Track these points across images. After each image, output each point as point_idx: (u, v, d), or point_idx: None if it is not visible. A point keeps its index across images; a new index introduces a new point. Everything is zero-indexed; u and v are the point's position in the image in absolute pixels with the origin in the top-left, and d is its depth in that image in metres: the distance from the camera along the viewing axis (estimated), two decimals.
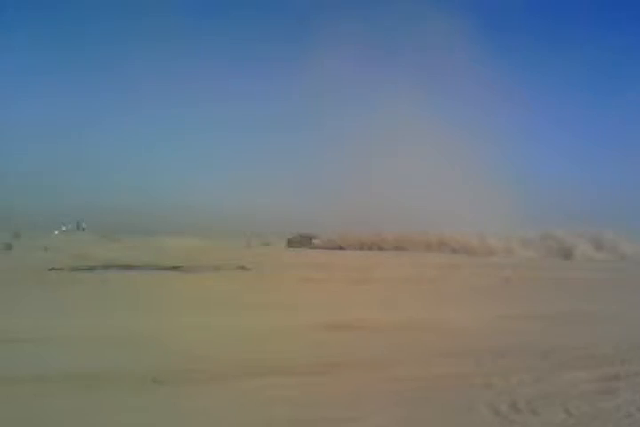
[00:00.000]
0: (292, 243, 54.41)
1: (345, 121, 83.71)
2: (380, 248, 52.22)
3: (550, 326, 12.38)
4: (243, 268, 26.20)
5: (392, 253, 46.34)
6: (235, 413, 6.29)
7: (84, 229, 65.88)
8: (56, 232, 63.37)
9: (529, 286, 22.49)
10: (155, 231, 55.04)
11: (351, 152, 75.83)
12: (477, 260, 40.99)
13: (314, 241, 54.31)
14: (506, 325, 12.49)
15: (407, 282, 22.40)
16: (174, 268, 25.21)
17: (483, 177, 66.80)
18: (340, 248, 51.17)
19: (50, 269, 23.90)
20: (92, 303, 14.62)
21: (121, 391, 6.95)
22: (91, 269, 24.62)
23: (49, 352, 8.94)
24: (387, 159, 69.83)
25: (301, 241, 54.34)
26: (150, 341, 9.94)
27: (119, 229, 57.98)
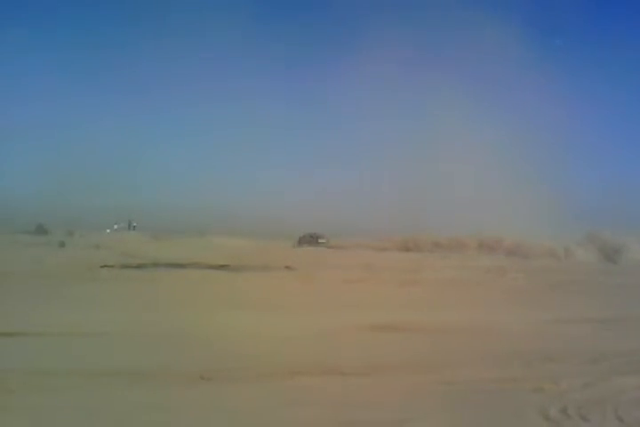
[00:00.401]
0: (301, 242, 54.74)
1: (384, 120, 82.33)
2: (419, 249, 51.61)
3: (600, 331, 12.19)
4: (288, 268, 26.40)
5: (435, 254, 45.80)
6: (280, 411, 6.39)
7: (134, 228, 67.20)
8: (108, 231, 64.79)
9: (578, 291, 22.02)
10: (205, 231, 55.66)
11: (392, 153, 75.00)
12: (526, 263, 40.23)
13: (320, 241, 54.43)
14: (554, 329, 12.35)
15: (453, 284, 22.20)
16: (222, 266, 25.57)
17: (528, 178, 65.25)
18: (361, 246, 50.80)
19: (101, 267, 24.53)
20: (141, 300, 15.00)
21: (169, 387, 7.16)
22: (140, 267, 25.20)
23: (100, 347, 9.27)
24: (429, 160, 68.90)
25: (310, 241, 54.62)
26: (198, 338, 10.17)
27: (169, 228, 58.84)
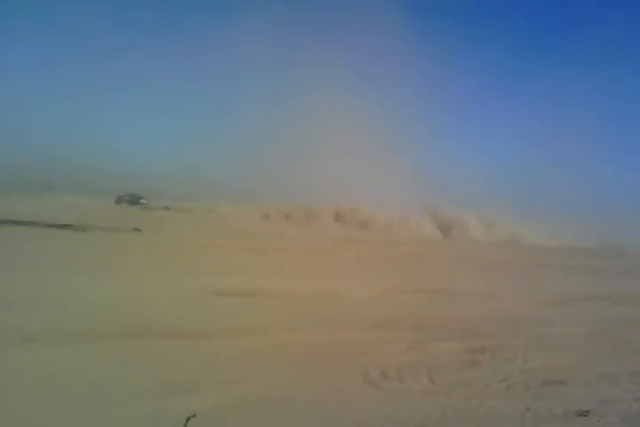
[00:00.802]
0: (120, 201, 52.89)
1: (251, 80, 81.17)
2: (273, 217, 52.11)
3: (430, 301, 13.03)
4: (137, 229, 25.52)
5: (289, 223, 46.58)
6: (107, 373, 6.28)
7: None
8: None
9: (415, 263, 23.38)
10: (54, 188, 51.79)
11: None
12: (374, 234, 42.11)
13: (141, 201, 53.14)
14: (391, 297, 13.04)
15: (303, 253, 22.65)
16: (65, 226, 24.16)
17: (383, 151, 67.69)
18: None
19: None
20: None
21: None
22: None
23: None
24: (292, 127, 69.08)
25: (130, 200, 53.18)
26: (27, 299, 9.58)
27: (12, 182, 54.18)
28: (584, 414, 5.98)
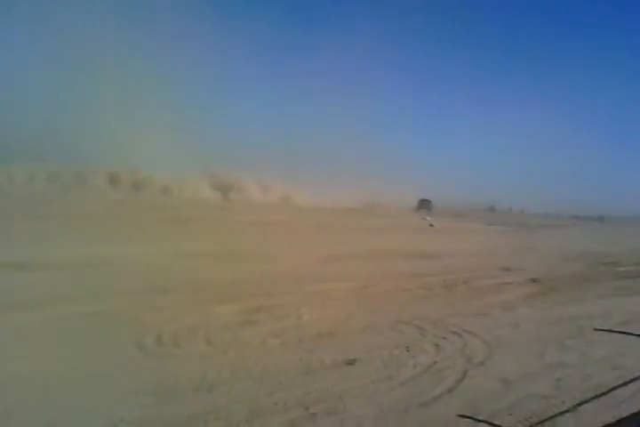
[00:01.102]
0: None
1: None
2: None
3: (209, 264, 12.99)
4: None
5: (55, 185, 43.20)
6: None
7: None
8: None
9: (199, 226, 23.18)
10: None
11: None
12: (151, 197, 40.84)
13: None
14: (168, 262, 12.72)
15: (73, 218, 21.17)
16: None
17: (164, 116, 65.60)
18: None
19: None
20: None
21: None
22: None
23: None
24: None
25: None
26: None
27: None
28: (351, 362, 6.39)
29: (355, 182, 65.04)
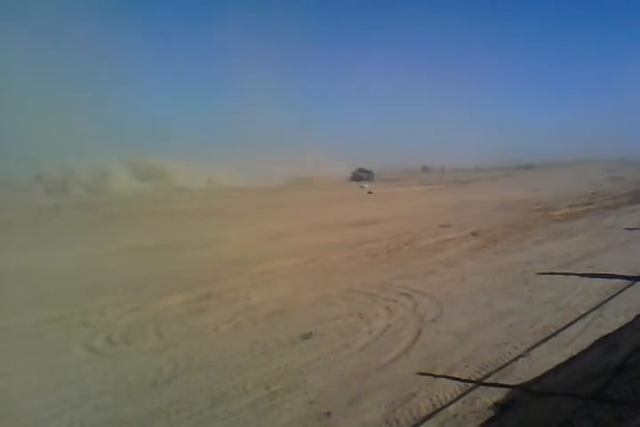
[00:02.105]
0: None
1: None
2: None
3: (149, 258, 12.68)
4: None
5: None
6: None
7: None
8: None
9: (127, 221, 22.55)
10: None
11: None
12: (76, 198, 39.47)
13: None
14: (105, 261, 12.35)
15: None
16: None
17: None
18: None
19: None
20: None
21: None
22: None
23: None
24: None
25: None
26: None
27: None
28: (307, 336, 6.40)
29: (284, 159, 64.87)
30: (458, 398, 4.62)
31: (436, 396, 4.69)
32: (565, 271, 9.43)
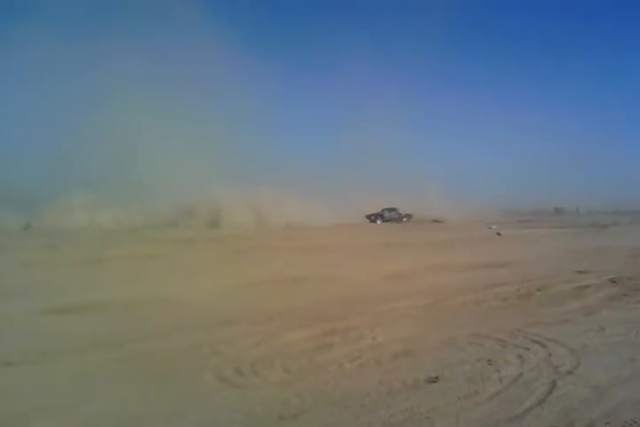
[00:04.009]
0: None
1: None
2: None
3: (277, 291, 13.01)
4: None
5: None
6: None
7: None
8: None
9: (258, 254, 23.34)
10: None
11: None
12: (206, 230, 41.51)
13: None
14: (236, 293, 12.81)
15: (141, 259, 21.68)
16: None
17: None
18: None
19: None
20: None
21: None
22: None
23: None
24: None
25: None
26: None
27: None
28: (433, 380, 6.23)
29: (406, 197, 64.51)
30: None
31: None
32: None
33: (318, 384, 6.23)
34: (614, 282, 13.33)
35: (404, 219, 63.91)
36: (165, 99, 69.59)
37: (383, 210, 64.53)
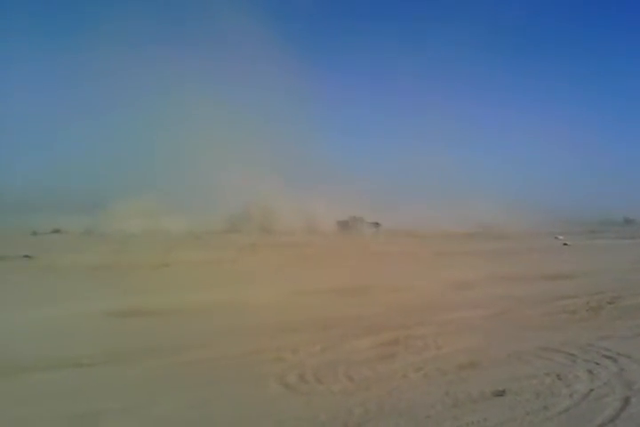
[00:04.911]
0: None
1: None
2: None
3: (339, 299, 13.03)
4: (28, 256, 23.92)
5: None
6: (10, 411, 5.80)
7: None
8: None
9: (319, 261, 23.42)
10: None
11: None
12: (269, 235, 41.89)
13: None
14: (299, 300, 12.90)
15: (206, 265, 22.09)
16: None
17: None
18: None
19: None
20: None
21: None
22: None
23: None
24: None
25: None
26: None
27: None
28: (500, 393, 6.11)
29: (467, 205, 63.35)
30: None
31: None
32: None
33: (382, 394, 6.20)
34: None
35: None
36: (222, 106, 70.92)
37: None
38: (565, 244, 35.64)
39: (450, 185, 76.16)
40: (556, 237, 43.25)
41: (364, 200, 57.29)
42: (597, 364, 7.26)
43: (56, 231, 43.35)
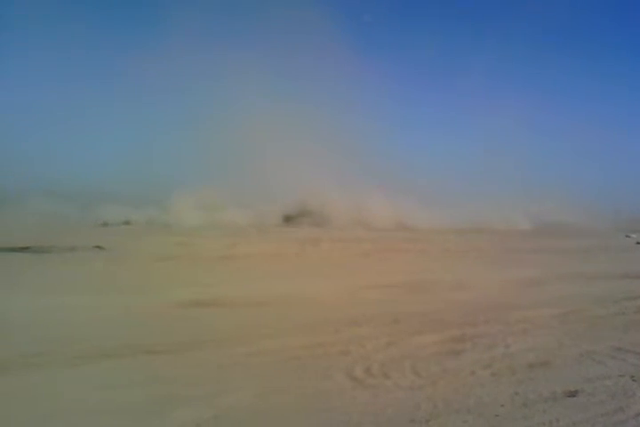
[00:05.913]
0: None
1: None
2: None
3: (403, 295, 12.98)
4: (99, 247, 24.85)
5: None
6: (90, 396, 6.04)
7: None
8: None
9: (382, 257, 23.31)
10: None
11: None
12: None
13: None
14: (362, 294, 12.92)
15: (270, 257, 22.37)
16: (23, 249, 23.35)
17: None
18: None
19: None
20: None
21: None
22: None
23: None
24: None
25: None
26: None
27: None
28: (573, 394, 5.98)
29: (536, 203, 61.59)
30: None
31: None
32: None
33: (449, 390, 6.17)
34: None
35: None
36: (282, 101, 71.19)
37: None
38: (639, 242, 34.25)
39: (517, 183, 74.20)
40: (627, 236, 41.61)
41: (425, 196, 56.71)
42: None
43: (126, 223, 44.62)
